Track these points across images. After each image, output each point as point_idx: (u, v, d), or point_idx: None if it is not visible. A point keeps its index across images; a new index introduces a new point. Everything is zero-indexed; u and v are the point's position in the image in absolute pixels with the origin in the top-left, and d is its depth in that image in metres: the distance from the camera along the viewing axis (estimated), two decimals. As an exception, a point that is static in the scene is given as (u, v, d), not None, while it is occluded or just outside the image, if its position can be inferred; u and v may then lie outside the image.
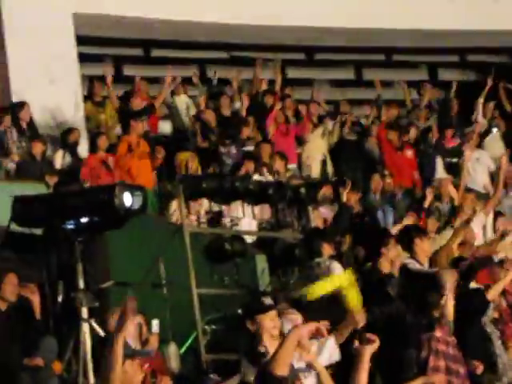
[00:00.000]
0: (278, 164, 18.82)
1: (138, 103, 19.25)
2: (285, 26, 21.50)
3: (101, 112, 19.55)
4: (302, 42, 22.87)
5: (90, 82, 20.47)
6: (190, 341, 13.44)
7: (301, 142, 20.58)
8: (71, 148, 18.17)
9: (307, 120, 20.82)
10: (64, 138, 18.29)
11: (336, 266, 13.37)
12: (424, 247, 13.34)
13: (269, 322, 9.25)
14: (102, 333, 12.11)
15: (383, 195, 19.33)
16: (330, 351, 9.98)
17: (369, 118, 21.64)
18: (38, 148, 17.44)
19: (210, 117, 19.74)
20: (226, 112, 20.22)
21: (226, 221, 16.22)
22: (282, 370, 7.77)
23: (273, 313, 9.42)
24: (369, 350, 8.50)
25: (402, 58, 24.96)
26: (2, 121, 17.73)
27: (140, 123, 17.94)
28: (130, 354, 9.41)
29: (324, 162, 19.98)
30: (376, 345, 8.56)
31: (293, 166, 19.77)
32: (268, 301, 10.51)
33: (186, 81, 20.93)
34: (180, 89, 20.42)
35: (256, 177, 17.97)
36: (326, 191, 17.85)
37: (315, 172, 19.66)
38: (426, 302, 11.97)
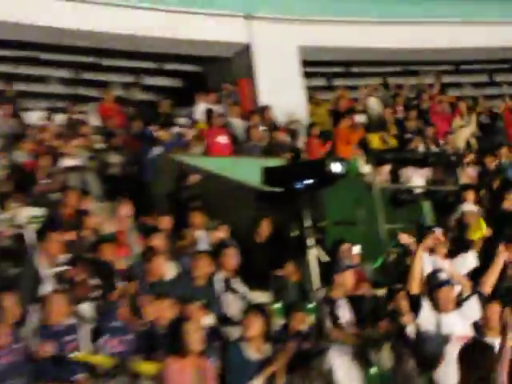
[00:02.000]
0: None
1: (343, 105, 19.44)
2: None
3: (319, 110, 19.56)
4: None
5: (313, 90, 20.67)
6: (380, 260, 13.27)
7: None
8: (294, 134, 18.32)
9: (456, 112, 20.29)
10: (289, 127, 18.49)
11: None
12: None
13: None
14: (323, 256, 12.50)
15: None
16: None
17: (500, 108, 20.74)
18: (281, 136, 17.86)
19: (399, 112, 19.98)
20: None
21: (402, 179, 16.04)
22: None
23: None
24: None
25: None
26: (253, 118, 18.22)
27: (348, 118, 17.95)
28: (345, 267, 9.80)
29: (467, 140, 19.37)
30: None
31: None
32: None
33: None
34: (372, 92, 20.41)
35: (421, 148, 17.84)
36: (470, 157, 17.61)
37: (461, 145, 18.92)
38: None
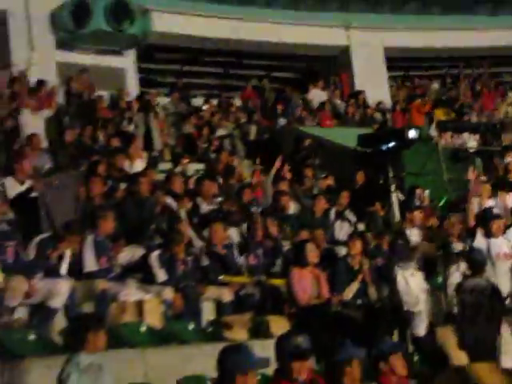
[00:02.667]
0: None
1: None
2: None
3: (400, 91, 19.10)
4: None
5: (394, 79, 20.23)
6: (443, 200, 12.96)
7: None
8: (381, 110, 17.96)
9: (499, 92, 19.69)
10: (377, 105, 18.09)
11: None
12: None
13: None
14: (401, 197, 12.25)
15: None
16: None
17: None
18: (371, 112, 17.55)
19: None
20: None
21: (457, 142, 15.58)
22: None
23: None
24: None
25: None
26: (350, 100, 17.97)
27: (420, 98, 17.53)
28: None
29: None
30: None
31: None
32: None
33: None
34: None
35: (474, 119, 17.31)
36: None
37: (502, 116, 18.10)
38: None
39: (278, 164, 11.65)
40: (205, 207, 9.83)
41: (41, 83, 13.57)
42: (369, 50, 19.08)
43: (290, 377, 4.65)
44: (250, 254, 8.91)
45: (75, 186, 8.13)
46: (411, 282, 8.44)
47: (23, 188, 8.52)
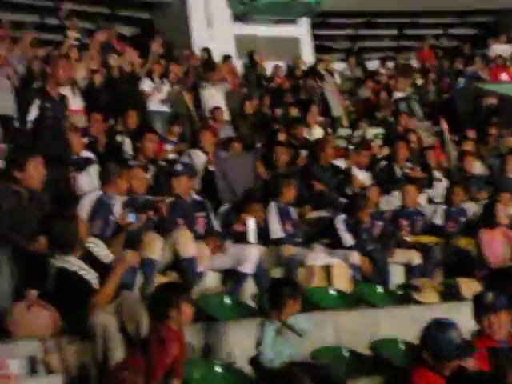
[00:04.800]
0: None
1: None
2: None
3: None
4: None
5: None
6: None
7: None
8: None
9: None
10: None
11: None
12: None
13: None
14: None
15: None
16: None
17: None
18: None
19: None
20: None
21: None
22: None
23: None
24: None
25: None
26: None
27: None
28: None
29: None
30: None
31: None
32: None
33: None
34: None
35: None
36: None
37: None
38: None
39: (444, 125, 11.14)
40: (398, 171, 9.63)
41: (225, 58, 14.00)
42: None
43: (488, 334, 4.65)
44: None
45: (253, 161, 8.24)
46: None
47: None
